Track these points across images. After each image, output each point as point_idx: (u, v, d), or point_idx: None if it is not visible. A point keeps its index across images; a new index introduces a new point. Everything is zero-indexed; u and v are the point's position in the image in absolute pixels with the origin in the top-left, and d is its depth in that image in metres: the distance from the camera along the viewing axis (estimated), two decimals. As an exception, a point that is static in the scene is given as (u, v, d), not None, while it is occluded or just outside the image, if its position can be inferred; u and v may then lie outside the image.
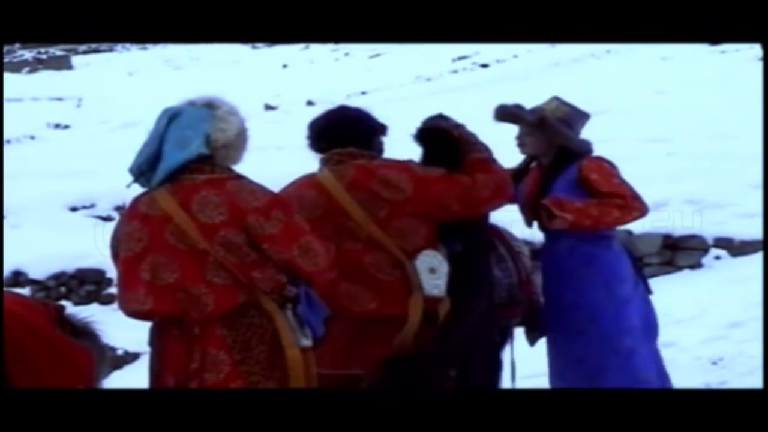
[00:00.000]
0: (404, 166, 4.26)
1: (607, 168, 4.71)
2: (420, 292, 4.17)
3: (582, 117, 4.83)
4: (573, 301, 4.77)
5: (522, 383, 4.96)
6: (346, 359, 4.20)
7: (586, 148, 4.79)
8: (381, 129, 4.42)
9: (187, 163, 3.78)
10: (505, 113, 4.81)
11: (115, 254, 3.94)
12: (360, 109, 4.49)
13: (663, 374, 4.85)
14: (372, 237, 4.14)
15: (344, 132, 4.31)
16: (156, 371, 3.88)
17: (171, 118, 3.85)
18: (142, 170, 3.86)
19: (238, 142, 3.90)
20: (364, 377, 4.18)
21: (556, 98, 4.86)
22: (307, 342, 3.81)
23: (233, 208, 3.72)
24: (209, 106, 3.88)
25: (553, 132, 4.74)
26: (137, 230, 3.81)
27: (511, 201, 4.64)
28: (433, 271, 4.19)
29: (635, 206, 4.63)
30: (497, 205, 4.44)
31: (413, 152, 4.57)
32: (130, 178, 3.90)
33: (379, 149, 4.42)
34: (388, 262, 4.18)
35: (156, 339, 3.90)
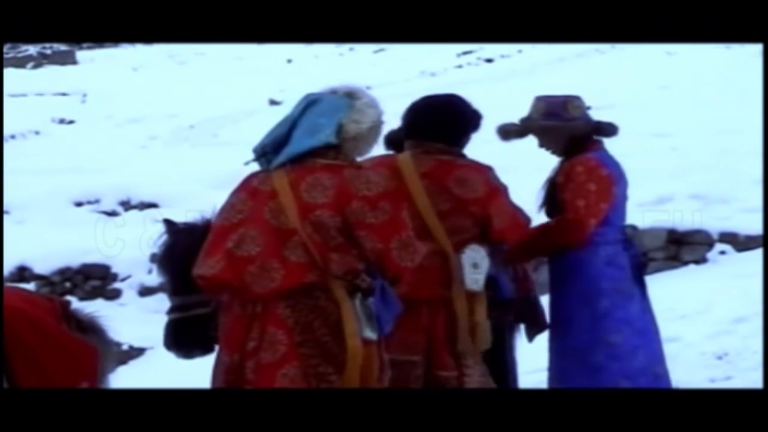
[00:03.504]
0: (481, 169, 4.41)
1: (593, 171, 4.65)
2: (462, 285, 4.27)
3: (564, 102, 4.76)
4: (553, 307, 4.79)
5: (523, 378, 4.97)
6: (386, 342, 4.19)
7: (591, 126, 4.74)
8: (474, 127, 4.53)
9: (312, 149, 3.79)
10: (502, 132, 4.82)
11: (213, 224, 3.93)
12: (461, 105, 4.54)
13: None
14: (425, 226, 4.22)
15: (440, 127, 4.42)
16: (218, 350, 3.88)
17: (309, 104, 3.87)
18: (266, 151, 3.87)
19: (370, 135, 3.92)
20: (406, 361, 4.25)
21: (536, 97, 4.84)
22: (371, 334, 3.76)
23: (340, 193, 3.73)
24: (350, 96, 3.89)
25: (540, 130, 4.74)
26: (241, 202, 3.83)
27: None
28: (475, 267, 4.30)
29: (576, 227, 4.61)
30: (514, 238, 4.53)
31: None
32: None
33: (466, 144, 4.53)
34: (430, 249, 4.22)
35: (221, 319, 3.89)
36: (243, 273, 3.71)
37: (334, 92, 3.93)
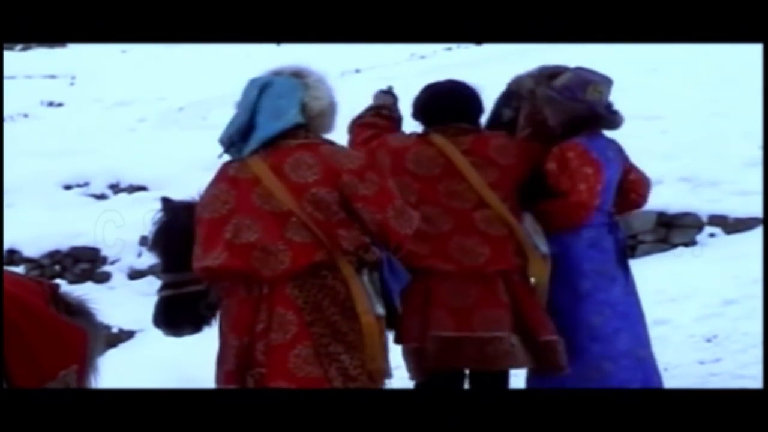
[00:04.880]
0: (505, 135, 4.60)
1: (584, 156, 4.63)
2: (536, 250, 4.43)
3: (587, 83, 4.72)
4: None
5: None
6: (468, 321, 4.32)
7: (591, 114, 4.70)
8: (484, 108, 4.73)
9: (283, 131, 3.82)
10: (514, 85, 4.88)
11: (199, 218, 3.92)
12: (474, 87, 4.74)
13: (633, 372, 4.67)
14: (482, 199, 4.37)
15: (463, 108, 4.60)
16: (222, 335, 3.87)
17: (261, 88, 3.88)
18: (233, 141, 3.88)
19: (331, 109, 3.96)
20: (493, 338, 4.31)
21: (573, 67, 4.82)
22: (381, 310, 3.79)
23: (327, 168, 3.75)
24: (297, 75, 3.92)
25: (543, 98, 4.71)
26: (224, 193, 3.83)
27: None
28: (536, 231, 4.46)
29: (581, 209, 4.62)
30: None
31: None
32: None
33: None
34: (496, 218, 4.38)
35: (223, 303, 3.89)
36: (249, 258, 3.71)
37: (278, 74, 3.94)
